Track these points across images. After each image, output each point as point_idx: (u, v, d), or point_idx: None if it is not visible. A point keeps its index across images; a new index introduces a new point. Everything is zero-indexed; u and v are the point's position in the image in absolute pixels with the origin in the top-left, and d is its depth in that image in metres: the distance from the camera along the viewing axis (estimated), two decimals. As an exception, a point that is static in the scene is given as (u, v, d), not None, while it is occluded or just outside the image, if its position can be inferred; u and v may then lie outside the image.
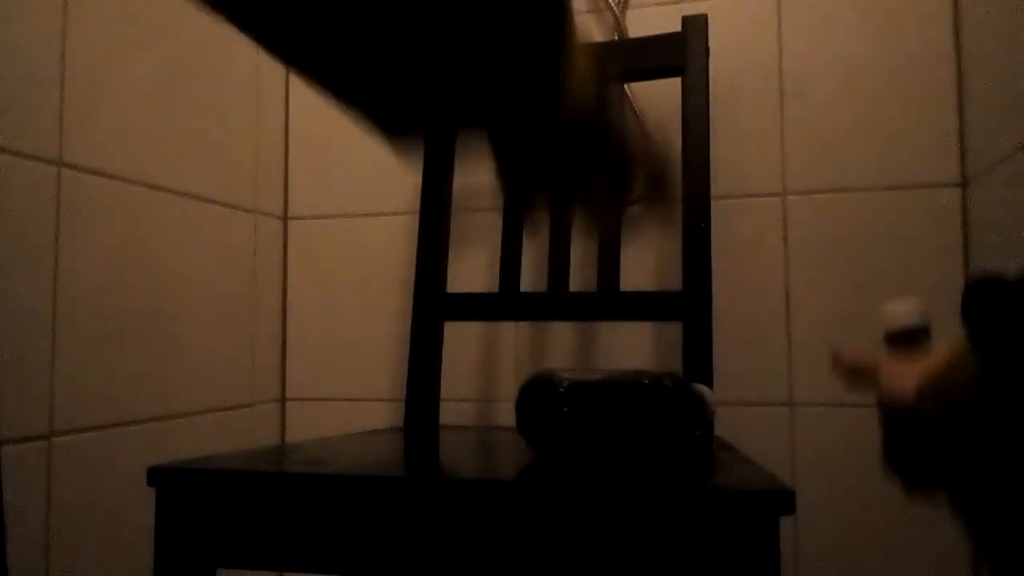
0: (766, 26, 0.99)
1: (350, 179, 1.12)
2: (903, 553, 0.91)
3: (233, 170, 1.02)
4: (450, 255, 0.97)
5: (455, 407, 1.05)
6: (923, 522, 0.90)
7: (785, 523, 0.46)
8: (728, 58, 0.99)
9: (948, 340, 0.39)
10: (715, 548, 0.46)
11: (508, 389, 1.04)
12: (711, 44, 0.91)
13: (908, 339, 0.47)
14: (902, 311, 0.47)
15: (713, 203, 0.95)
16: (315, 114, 1.14)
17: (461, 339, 1.04)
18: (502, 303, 0.91)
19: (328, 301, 1.13)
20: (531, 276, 0.96)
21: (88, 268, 0.78)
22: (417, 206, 0.96)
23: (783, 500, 0.46)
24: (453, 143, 0.33)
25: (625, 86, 0.99)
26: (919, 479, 0.41)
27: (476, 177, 1.03)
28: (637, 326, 1.00)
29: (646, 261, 1.01)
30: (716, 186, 0.96)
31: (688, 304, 0.84)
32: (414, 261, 0.97)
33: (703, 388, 0.62)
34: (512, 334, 1.05)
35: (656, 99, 1.00)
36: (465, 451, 0.74)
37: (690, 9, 0.97)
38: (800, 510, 0.92)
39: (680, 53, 0.89)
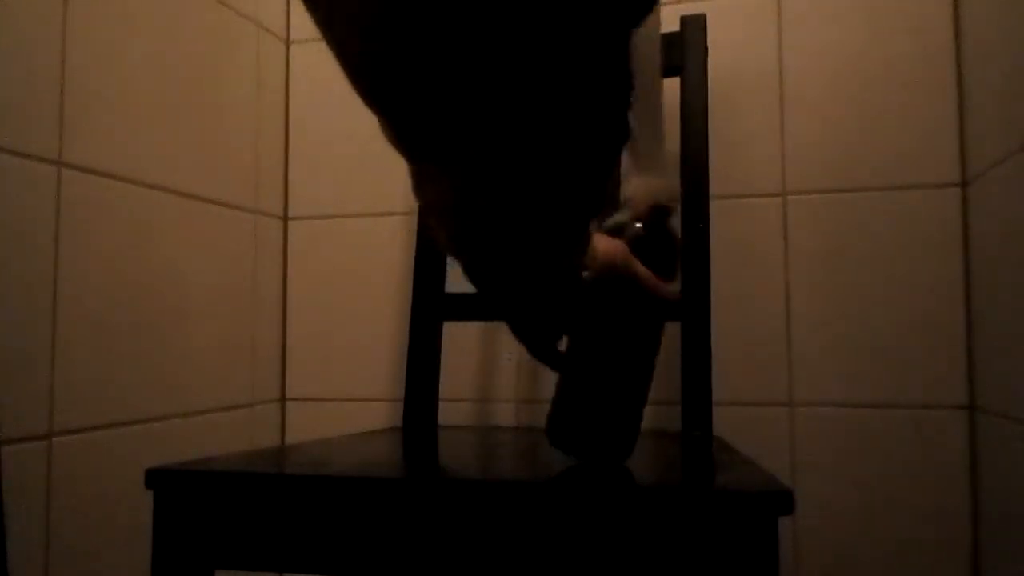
0: (766, 26, 0.99)
1: (350, 179, 1.12)
2: (903, 553, 0.91)
3: (233, 170, 1.02)
4: (450, 255, 0.97)
5: (454, 407, 1.05)
6: (923, 522, 0.90)
7: (784, 523, 0.46)
8: (728, 58, 0.99)
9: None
10: (714, 548, 0.46)
11: (507, 389, 1.04)
12: (711, 44, 0.91)
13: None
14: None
15: (713, 203, 0.96)
16: (315, 114, 1.14)
17: (461, 339, 1.04)
18: (502, 303, 0.91)
19: (328, 301, 1.13)
20: (531, 276, 0.96)
21: (88, 268, 0.78)
22: (417, 206, 0.96)
23: (782, 500, 0.46)
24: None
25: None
26: None
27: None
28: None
29: (646, 261, 1.01)
30: (715, 186, 0.96)
31: (687, 304, 0.84)
32: (414, 261, 0.97)
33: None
34: (511, 334, 1.05)
35: (656, 99, 1.00)
36: (464, 451, 0.74)
37: (690, 9, 0.97)
38: (800, 510, 0.92)
39: (679, 53, 0.89)
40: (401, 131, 0.31)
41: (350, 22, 0.26)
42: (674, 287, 0.55)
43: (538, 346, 0.54)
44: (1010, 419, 0.78)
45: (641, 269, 0.53)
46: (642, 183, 0.58)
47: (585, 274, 0.47)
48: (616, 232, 0.55)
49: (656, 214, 0.57)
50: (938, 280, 0.92)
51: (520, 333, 0.52)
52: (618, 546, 0.47)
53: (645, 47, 0.63)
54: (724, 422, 0.94)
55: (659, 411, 0.99)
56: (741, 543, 0.46)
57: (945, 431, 0.90)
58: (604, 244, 0.50)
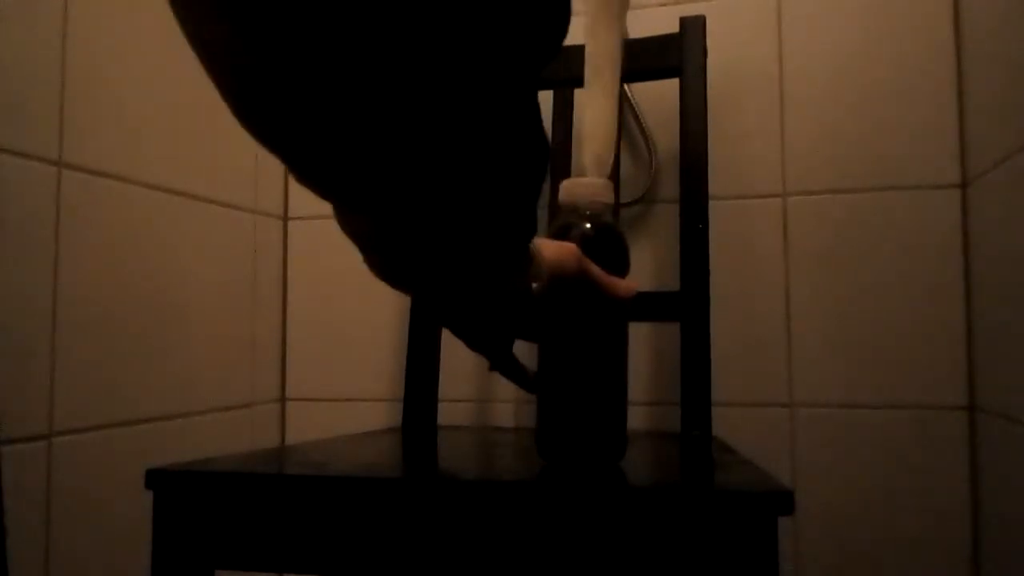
0: (766, 26, 0.99)
1: (350, 179, 1.12)
2: (903, 553, 0.91)
3: (233, 170, 1.03)
4: (450, 255, 0.97)
5: (454, 407, 1.05)
6: (923, 522, 0.90)
7: (785, 523, 0.46)
8: (728, 58, 0.99)
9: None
10: (714, 548, 0.46)
11: (506, 389, 1.04)
12: (711, 44, 0.91)
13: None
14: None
15: (713, 204, 0.96)
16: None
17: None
18: (502, 303, 0.91)
19: (328, 301, 1.13)
20: (531, 276, 0.96)
21: (88, 268, 0.78)
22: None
23: (782, 500, 0.46)
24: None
25: (625, 86, 0.99)
26: None
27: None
28: (635, 326, 1.00)
29: (644, 261, 1.01)
30: (716, 187, 0.96)
31: (686, 305, 0.84)
32: (414, 261, 0.97)
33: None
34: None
35: (656, 100, 1.00)
36: (463, 452, 0.74)
37: (690, 10, 0.97)
38: (800, 510, 0.92)
39: (677, 54, 0.89)
40: (296, 172, 0.30)
41: (218, 51, 0.25)
42: (629, 282, 0.55)
43: (501, 362, 0.53)
44: (1010, 419, 0.78)
45: (596, 269, 0.51)
46: (579, 183, 0.57)
47: (535, 286, 0.46)
48: (562, 234, 0.54)
49: (599, 211, 0.56)
50: (938, 280, 0.92)
51: (475, 346, 0.51)
52: (617, 546, 0.47)
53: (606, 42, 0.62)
54: (724, 422, 0.94)
55: (658, 411, 0.99)
56: (741, 543, 0.46)
57: (945, 431, 0.90)
58: (552, 250, 0.48)
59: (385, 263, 0.39)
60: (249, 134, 0.28)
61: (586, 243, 0.53)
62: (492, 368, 0.54)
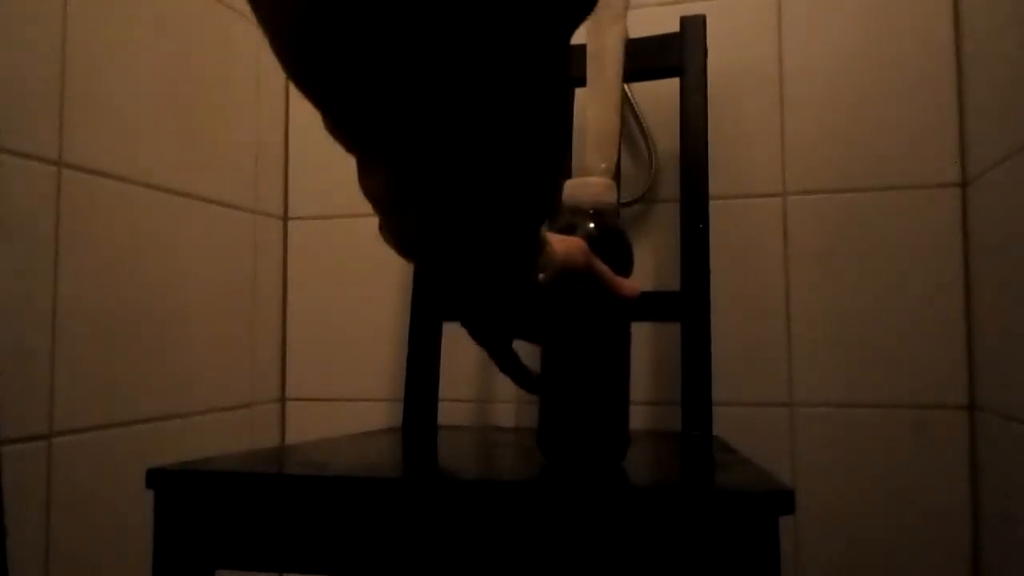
0: (766, 26, 0.99)
1: (350, 179, 1.11)
2: (903, 553, 0.91)
3: (233, 170, 1.02)
4: (450, 255, 0.97)
5: (454, 407, 1.05)
6: (923, 522, 0.90)
7: (785, 523, 0.46)
8: (728, 58, 0.99)
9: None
10: (715, 548, 0.46)
11: (507, 389, 1.04)
12: (711, 44, 0.91)
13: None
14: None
15: (713, 203, 0.96)
16: (315, 114, 1.14)
17: (461, 339, 1.04)
18: (502, 303, 0.91)
19: (328, 301, 1.13)
20: (531, 276, 0.96)
21: (88, 268, 0.78)
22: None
23: (782, 500, 0.46)
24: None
25: (625, 86, 0.99)
26: None
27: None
28: (635, 326, 1.00)
29: (644, 261, 1.01)
30: (715, 186, 0.96)
31: (686, 305, 0.84)
32: (414, 261, 0.97)
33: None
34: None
35: (656, 100, 1.00)
36: (463, 452, 0.74)
37: (690, 9, 0.97)
38: (800, 510, 0.92)
39: (678, 54, 0.89)
40: (335, 117, 0.30)
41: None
42: (634, 282, 0.55)
43: (502, 357, 0.53)
44: (1010, 419, 0.78)
45: (603, 266, 0.52)
46: (583, 183, 0.57)
47: (541, 276, 0.46)
48: (566, 234, 0.54)
49: (602, 211, 0.56)
50: (938, 280, 0.92)
51: (478, 336, 0.51)
52: (618, 546, 0.47)
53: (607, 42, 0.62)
54: (724, 422, 0.94)
55: (659, 411, 0.99)
56: (742, 543, 0.46)
57: (945, 431, 0.90)
58: (563, 244, 0.48)
59: (402, 227, 0.39)
60: (291, 77, 0.29)
61: (590, 243, 0.53)
62: (491, 356, 0.54)
